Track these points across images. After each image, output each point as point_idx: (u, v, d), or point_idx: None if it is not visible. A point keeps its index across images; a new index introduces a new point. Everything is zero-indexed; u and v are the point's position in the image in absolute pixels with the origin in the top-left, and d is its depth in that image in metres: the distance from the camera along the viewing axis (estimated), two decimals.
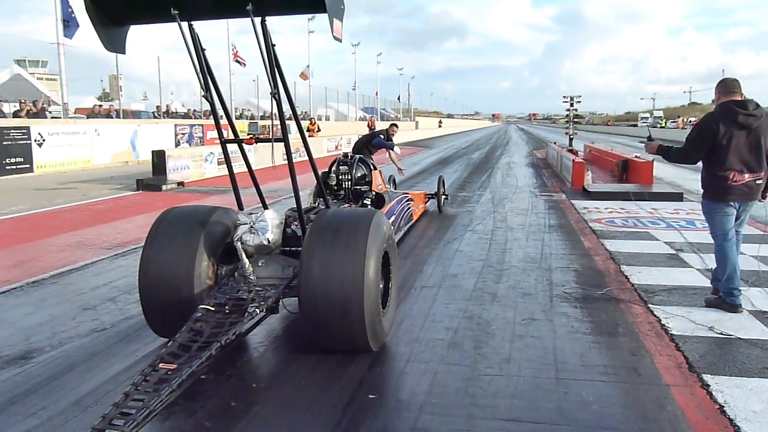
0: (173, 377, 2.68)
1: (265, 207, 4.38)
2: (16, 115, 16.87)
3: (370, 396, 3.28)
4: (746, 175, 4.42)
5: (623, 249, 6.72)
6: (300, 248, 3.90)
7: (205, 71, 3.88)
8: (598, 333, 4.18)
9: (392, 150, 9.40)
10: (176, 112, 27.62)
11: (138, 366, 3.65)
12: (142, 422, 2.40)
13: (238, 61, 28.74)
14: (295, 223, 4.46)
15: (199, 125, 24.55)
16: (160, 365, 2.82)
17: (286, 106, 3.94)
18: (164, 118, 24.43)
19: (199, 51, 3.82)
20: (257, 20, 3.55)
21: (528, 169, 18.54)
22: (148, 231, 4.00)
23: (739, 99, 4.47)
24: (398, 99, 67.31)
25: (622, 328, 4.28)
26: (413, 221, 8.39)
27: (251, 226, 4.00)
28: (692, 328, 4.22)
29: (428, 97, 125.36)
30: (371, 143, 8.91)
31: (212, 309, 3.50)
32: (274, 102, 3.78)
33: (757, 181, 4.48)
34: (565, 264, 6.18)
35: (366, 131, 31.98)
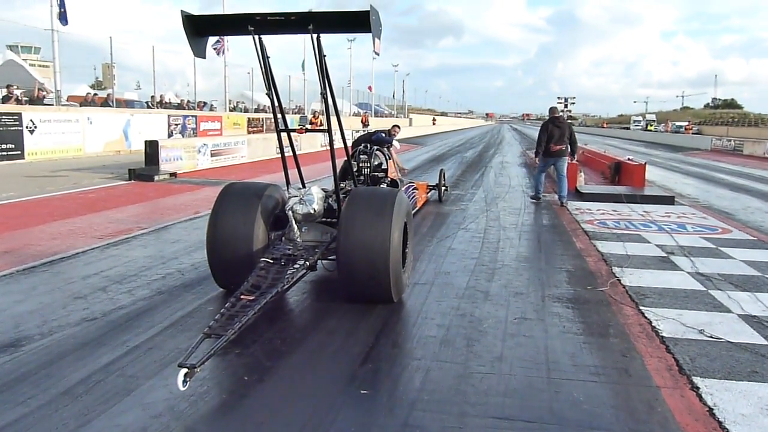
0: (253, 304, 3.61)
1: (303, 185, 5.15)
2: (5, 101, 16.67)
3: (363, 391, 3.28)
4: (558, 146, 10.28)
5: (615, 251, 6.75)
6: (335, 219, 4.92)
7: (269, 74, 4.68)
8: (589, 334, 4.20)
9: (391, 145, 9.44)
10: (170, 103, 27.35)
11: (129, 356, 3.66)
12: (237, 331, 3.35)
13: (214, 49, 27.87)
14: (331, 198, 5.21)
15: (192, 116, 24.35)
16: (242, 297, 3.70)
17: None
18: (157, 108, 24.23)
19: (266, 58, 4.61)
20: (314, 36, 4.33)
21: (521, 168, 18.56)
22: (214, 201, 4.83)
23: (557, 116, 10.56)
24: (392, 96, 67.25)
25: (614, 330, 4.30)
26: (417, 209, 9.06)
27: (301, 198, 4.82)
28: (683, 330, 4.25)
29: (423, 94, 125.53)
30: (371, 140, 8.97)
31: (271, 262, 4.32)
32: (323, 100, 4.56)
33: (563, 148, 10.31)
34: (558, 264, 6.20)
35: (359, 126, 31.95)
